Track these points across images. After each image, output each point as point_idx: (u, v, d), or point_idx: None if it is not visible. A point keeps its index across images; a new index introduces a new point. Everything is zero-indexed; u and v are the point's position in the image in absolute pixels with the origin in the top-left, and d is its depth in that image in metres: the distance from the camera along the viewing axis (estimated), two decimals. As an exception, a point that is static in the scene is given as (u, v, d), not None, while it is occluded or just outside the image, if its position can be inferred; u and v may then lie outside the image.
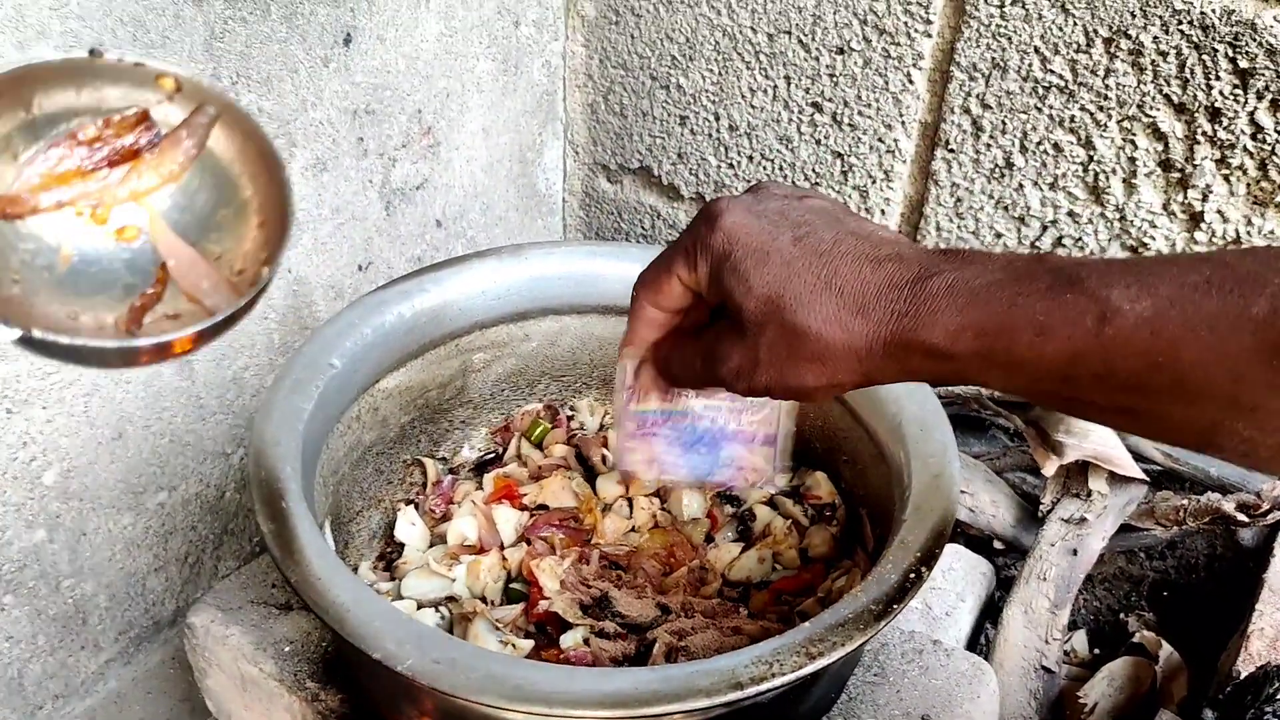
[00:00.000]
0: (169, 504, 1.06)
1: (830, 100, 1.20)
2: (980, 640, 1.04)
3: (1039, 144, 1.09)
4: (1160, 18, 0.98)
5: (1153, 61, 1.00)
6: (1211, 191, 1.02)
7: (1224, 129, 0.99)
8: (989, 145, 1.12)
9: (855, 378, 0.54)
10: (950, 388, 1.14)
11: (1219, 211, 1.03)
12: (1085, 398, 0.49)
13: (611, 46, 1.33)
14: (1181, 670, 0.96)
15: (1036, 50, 1.05)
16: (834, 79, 1.19)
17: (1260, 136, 0.98)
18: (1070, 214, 1.11)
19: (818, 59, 1.19)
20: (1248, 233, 1.02)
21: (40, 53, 0.81)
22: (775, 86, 1.23)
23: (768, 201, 0.58)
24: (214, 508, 1.11)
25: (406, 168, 1.20)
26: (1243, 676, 0.84)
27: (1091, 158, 1.07)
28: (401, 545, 0.92)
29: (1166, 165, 1.04)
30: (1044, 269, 0.49)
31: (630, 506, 0.93)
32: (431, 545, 0.92)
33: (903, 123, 1.17)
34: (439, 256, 1.28)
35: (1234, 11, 0.94)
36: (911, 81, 1.14)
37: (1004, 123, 1.10)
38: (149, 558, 1.07)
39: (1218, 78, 0.98)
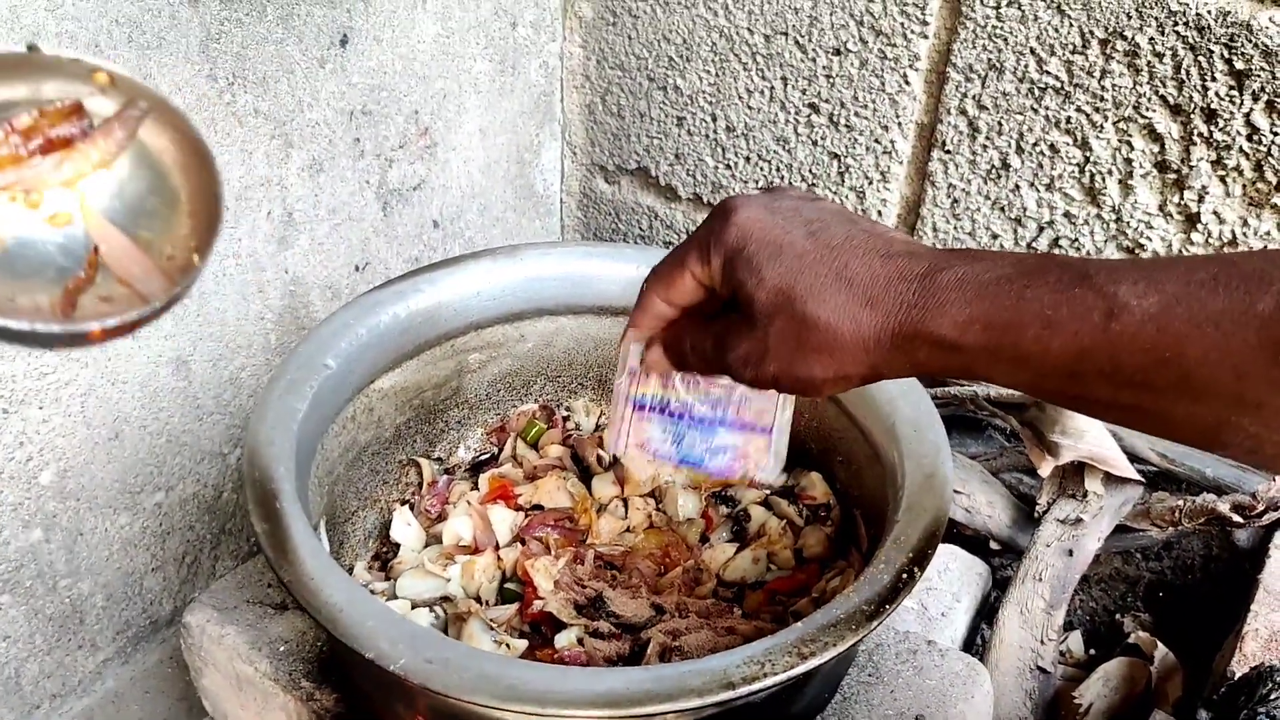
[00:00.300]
0: (166, 504, 1.07)
1: (827, 101, 1.20)
2: (976, 641, 1.04)
3: (1035, 145, 1.09)
4: (1156, 19, 0.98)
5: (1149, 62, 1.00)
6: (1207, 192, 1.02)
7: (1220, 130, 0.99)
8: (985, 146, 1.12)
9: (863, 370, 0.55)
10: (947, 389, 1.14)
11: (1215, 212, 1.03)
12: (1091, 394, 0.49)
13: (609, 47, 1.33)
14: (1176, 671, 0.96)
15: (1032, 51, 1.05)
16: (831, 80, 1.19)
17: (1256, 137, 0.98)
18: (1066, 215, 1.11)
19: (814, 60, 1.19)
20: (1244, 233, 1.02)
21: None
22: (772, 87, 1.23)
23: (781, 200, 0.59)
24: (211, 508, 1.12)
25: (403, 168, 1.20)
26: (1237, 677, 0.84)
27: (1088, 159, 1.07)
28: (397, 545, 0.92)
29: (1162, 166, 1.04)
30: (1053, 265, 0.49)
31: (625, 507, 0.93)
32: (427, 545, 0.92)
33: (899, 124, 1.17)
34: (436, 257, 1.28)
35: (1230, 13, 0.94)
36: (908, 82, 1.14)
37: (1000, 124, 1.10)
38: (146, 557, 1.07)
39: (1213, 79, 0.98)
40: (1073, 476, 1.03)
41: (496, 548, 0.89)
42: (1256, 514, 0.95)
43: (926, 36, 1.11)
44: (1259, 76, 0.96)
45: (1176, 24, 0.97)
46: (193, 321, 1.01)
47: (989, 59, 1.08)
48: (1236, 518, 0.95)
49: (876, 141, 1.19)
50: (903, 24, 1.11)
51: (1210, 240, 1.04)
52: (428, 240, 1.27)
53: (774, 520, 0.92)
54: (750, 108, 1.26)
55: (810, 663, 0.63)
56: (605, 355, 1.03)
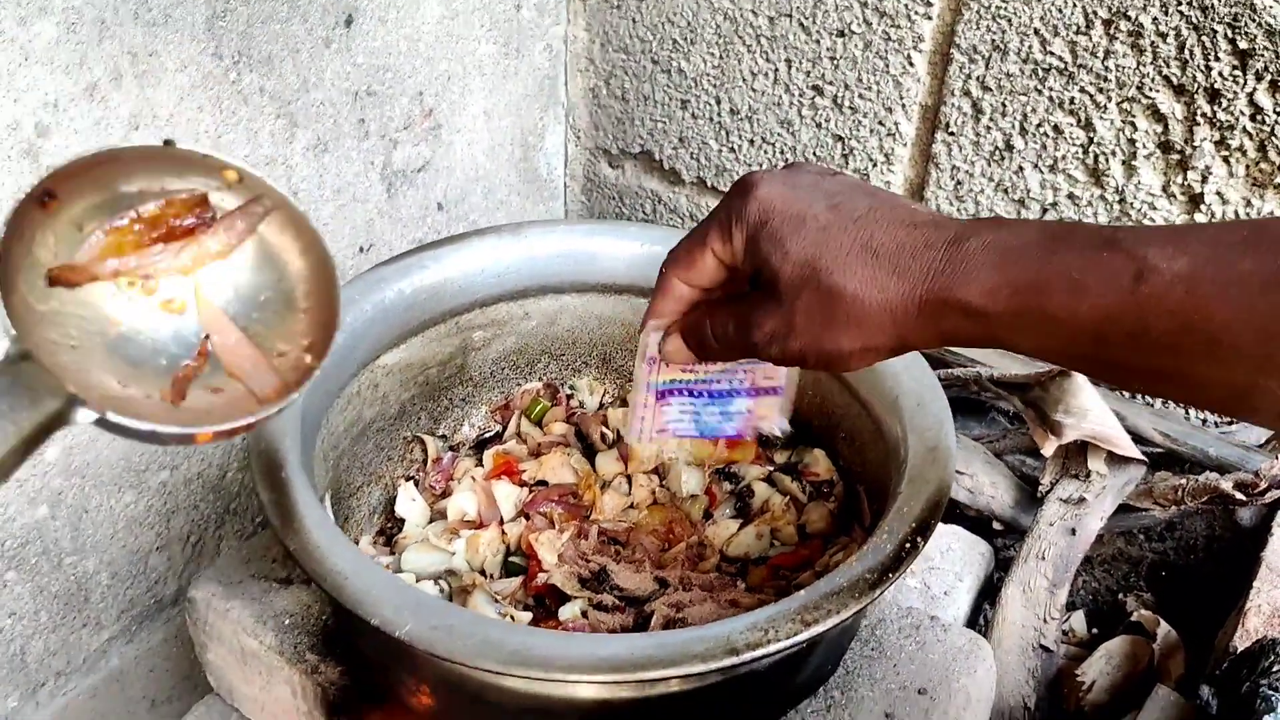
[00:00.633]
0: (171, 483, 1.07)
1: (831, 83, 1.20)
2: (979, 620, 1.05)
3: (1039, 126, 1.09)
4: (1160, -2, 0.98)
5: (1152, 43, 1.00)
6: (1211, 173, 1.02)
7: (1223, 110, 1.00)
8: (989, 128, 1.12)
9: (890, 341, 0.54)
10: (950, 371, 1.14)
11: (1218, 193, 1.03)
12: (1119, 359, 0.48)
13: (613, 30, 1.33)
14: (1179, 648, 0.96)
15: (1036, 32, 1.05)
16: (835, 62, 1.19)
17: (1259, 117, 0.98)
18: (1070, 196, 1.11)
19: (818, 42, 1.19)
20: (1247, 214, 1.02)
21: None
22: (776, 70, 1.23)
23: (801, 175, 0.58)
24: (216, 487, 1.12)
25: (408, 150, 1.20)
26: (1239, 652, 0.84)
27: (1091, 139, 1.07)
28: (401, 521, 0.92)
29: (1166, 147, 1.04)
30: (1080, 230, 0.49)
31: (629, 483, 0.94)
32: (431, 521, 0.93)
33: (903, 105, 1.17)
34: (440, 239, 1.29)
35: (1233, -9, 0.95)
36: (912, 64, 1.14)
37: (1004, 105, 1.10)
38: (151, 536, 1.07)
39: (1217, 59, 0.98)
40: (1076, 456, 1.03)
41: (501, 522, 0.89)
42: (1259, 492, 0.95)
43: (930, 18, 1.11)
44: (1262, 56, 0.96)
45: (1180, 3, 0.97)
46: (198, 299, 1.02)
47: (993, 40, 1.08)
48: (1239, 496, 0.95)
49: (880, 123, 1.19)
50: (907, 5, 1.11)
51: (1214, 221, 1.04)
52: (432, 223, 1.28)
53: (777, 496, 0.92)
54: (754, 90, 1.26)
55: (814, 629, 0.63)
56: (609, 333, 1.03)
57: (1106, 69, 1.03)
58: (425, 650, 0.62)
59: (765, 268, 0.56)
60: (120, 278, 0.56)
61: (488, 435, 1.02)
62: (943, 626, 0.86)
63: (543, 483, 0.93)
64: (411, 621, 0.63)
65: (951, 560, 1.04)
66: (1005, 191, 1.14)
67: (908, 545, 0.69)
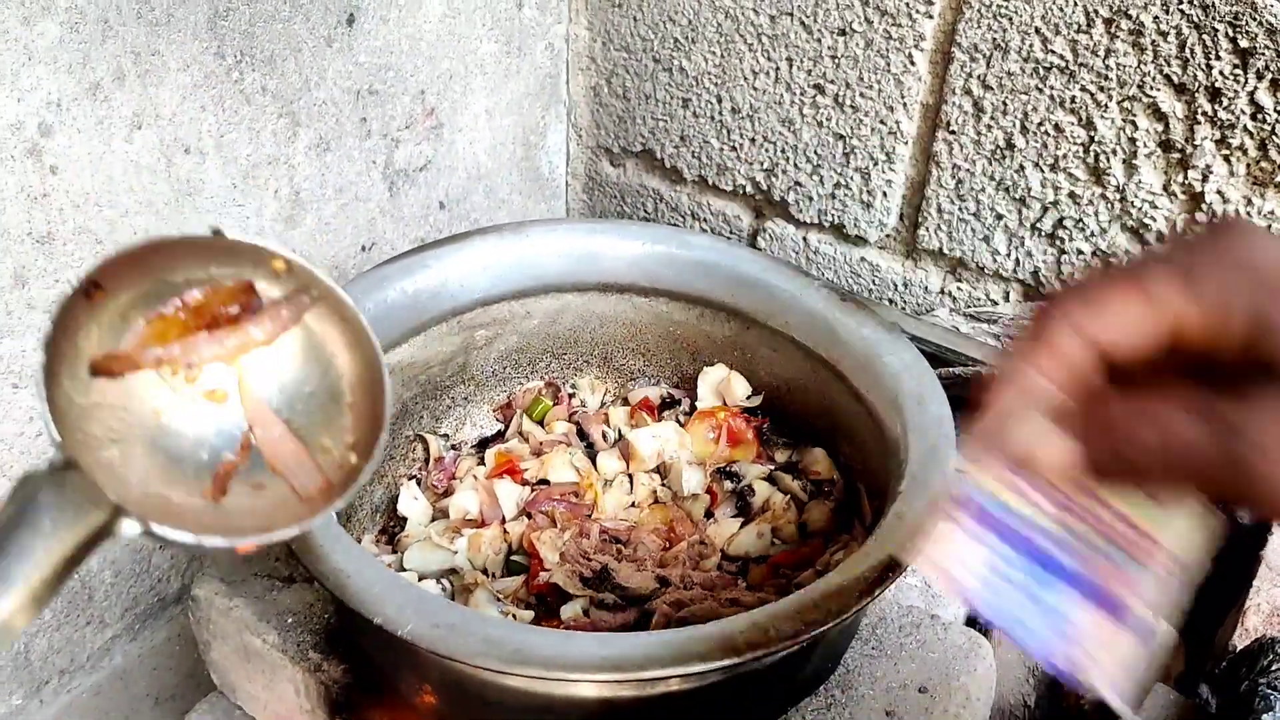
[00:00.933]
0: (174, 481, 1.07)
1: (832, 82, 1.20)
2: (979, 620, 1.05)
3: (1040, 125, 1.09)
4: (1161, -3, 0.98)
5: (1153, 41, 1.00)
6: (1212, 172, 1.03)
7: (1224, 109, 1.00)
8: (990, 126, 1.12)
9: None
10: (950, 369, 1.14)
11: (1219, 192, 1.03)
12: None
13: (614, 29, 1.34)
14: (1178, 647, 0.97)
15: (1037, 30, 1.05)
16: (836, 61, 1.19)
17: (1260, 116, 0.98)
18: (1071, 195, 1.11)
19: (819, 40, 1.19)
20: (1248, 213, 1.02)
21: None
22: (777, 68, 1.23)
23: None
24: (218, 485, 1.12)
25: (410, 149, 1.20)
26: (1238, 650, 0.84)
27: (1092, 138, 1.07)
28: (404, 520, 0.92)
29: (1167, 146, 1.04)
30: None
31: (631, 482, 0.94)
32: (433, 520, 0.93)
33: (904, 104, 1.17)
34: (442, 238, 1.29)
35: (1234, -9, 0.95)
36: (913, 63, 1.14)
37: (1005, 104, 1.10)
38: (154, 534, 1.08)
39: (1218, 57, 0.98)
40: (1076, 455, 1.03)
41: (503, 521, 0.90)
42: (1259, 491, 0.95)
43: (931, 16, 1.11)
44: (1263, 55, 0.96)
45: (1181, 2, 0.97)
46: (201, 299, 1.02)
47: (994, 38, 1.08)
48: (1239, 495, 0.95)
49: (882, 122, 1.19)
50: (908, 4, 1.11)
51: (1215, 220, 1.04)
52: (434, 222, 1.28)
53: (778, 495, 0.92)
54: (755, 89, 1.26)
55: (814, 629, 0.63)
56: (610, 333, 1.03)
57: (1107, 68, 1.03)
58: (427, 649, 0.63)
59: None
60: (163, 366, 0.55)
61: (490, 434, 1.02)
62: (943, 625, 0.86)
63: (544, 482, 0.93)
64: (414, 620, 0.63)
65: (952, 558, 1.04)
66: (1006, 190, 1.14)
67: (909, 544, 0.69)
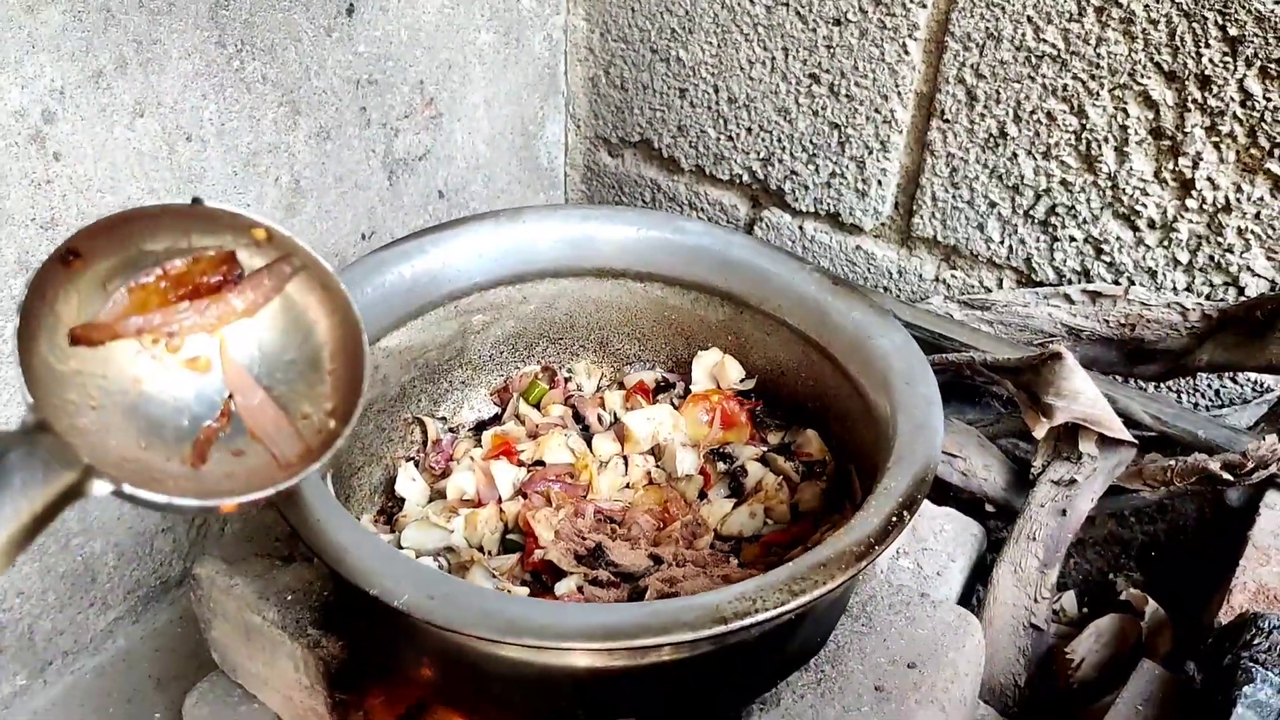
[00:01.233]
0: (176, 464, 1.09)
1: (827, 71, 1.22)
2: (971, 600, 1.06)
3: (1032, 113, 1.10)
4: (1150, -15, 0.99)
5: (1144, 30, 1.01)
6: (1202, 158, 1.04)
7: (1214, 96, 1.01)
8: (983, 115, 1.13)
9: None
10: (944, 356, 1.15)
11: (1209, 178, 1.04)
12: None
13: (612, 19, 1.35)
14: (1166, 626, 0.98)
15: (1029, 19, 1.06)
16: (831, 50, 1.20)
17: (1249, 103, 0.99)
18: (1063, 182, 1.12)
19: (815, 30, 1.20)
20: (1237, 199, 1.03)
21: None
22: (773, 58, 1.25)
23: None
24: (220, 470, 1.14)
25: (409, 138, 1.22)
26: (1223, 626, 0.85)
27: (1084, 126, 1.08)
28: (402, 500, 0.94)
29: (1157, 133, 1.05)
30: None
31: (625, 464, 0.95)
32: (431, 500, 0.94)
33: (899, 93, 1.18)
34: (441, 227, 1.30)
35: (1223, -22, 0.96)
36: (907, 52, 1.16)
37: (998, 92, 1.11)
38: (156, 518, 1.09)
39: (1207, 45, 0.99)
40: (1067, 439, 1.05)
41: (499, 501, 0.91)
42: (1246, 472, 0.96)
43: (925, 6, 1.12)
44: (1252, 43, 0.97)
45: (1170, -10, 0.98)
46: (202, 284, 1.03)
47: (987, 28, 1.09)
48: (1227, 476, 0.96)
49: (876, 111, 1.21)
50: (901, -7, 1.12)
51: (1205, 206, 1.05)
52: (433, 211, 1.29)
53: (770, 476, 0.93)
54: (752, 79, 1.27)
55: (800, 599, 0.65)
56: (606, 318, 1.04)
57: (1099, 56, 1.05)
58: (423, 619, 0.64)
59: None
60: (144, 335, 0.55)
61: (487, 417, 1.03)
62: (932, 603, 0.87)
63: (540, 463, 0.95)
64: (410, 591, 0.65)
65: (944, 541, 1.05)
66: (999, 178, 1.15)
67: (894, 519, 0.70)
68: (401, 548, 0.87)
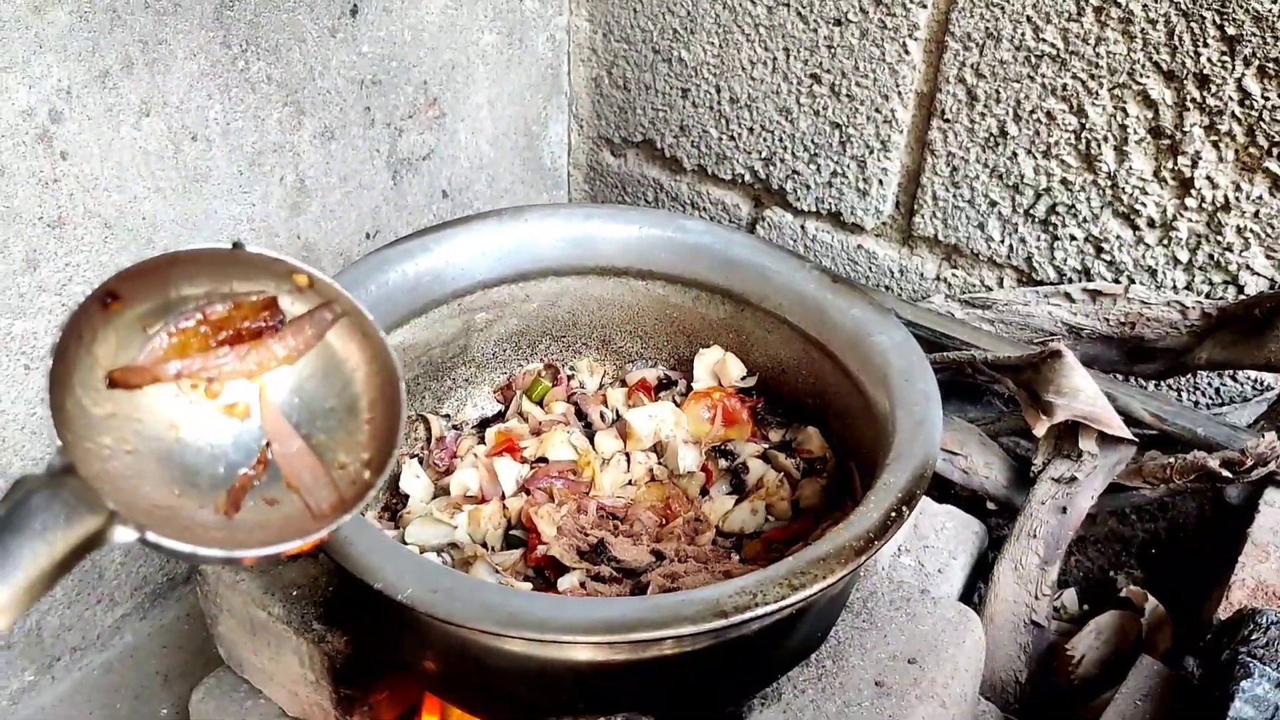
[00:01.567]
0: (182, 462, 1.09)
1: (829, 72, 1.22)
2: (973, 597, 1.07)
3: (1032, 113, 1.11)
4: (1149, -15, 1.00)
5: (1142, 29, 1.02)
6: (1201, 157, 1.04)
7: (1213, 95, 1.01)
8: (983, 114, 1.14)
9: None
10: (945, 354, 1.16)
11: (1208, 177, 1.05)
12: None
13: (615, 20, 1.36)
14: (1166, 623, 0.98)
15: (1029, 19, 1.07)
16: (832, 50, 1.21)
17: (1248, 103, 1.00)
18: (1063, 181, 1.13)
19: (816, 31, 1.21)
20: (1236, 198, 1.04)
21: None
22: (775, 58, 1.25)
23: None
24: (226, 467, 1.14)
25: (413, 138, 1.22)
26: (1221, 622, 0.86)
27: (1083, 125, 1.09)
28: (406, 496, 0.94)
29: (1157, 132, 1.06)
30: None
31: (628, 461, 0.96)
32: (435, 497, 0.95)
33: (899, 93, 1.19)
34: (445, 226, 1.31)
35: (1221, -22, 0.96)
36: (908, 52, 1.16)
37: (998, 92, 1.12)
38: (163, 514, 1.10)
39: (1206, 45, 1.00)
40: (1068, 437, 1.05)
41: (502, 498, 0.91)
42: (1245, 470, 0.96)
43: (925, 6, 1.13)
44: (1250, 42, 0.97)
45: (1169, -10, 0.99)
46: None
47: (986, 27, 1.10)
48: (1226, 473, 0.97)
49: (877, 111, 1.21)
50: (902, -6, 1.13)
51: (1204, 205, 1.05)
52: (437, 210, 1.30)
53: (772, 473, 0.94)
54: (753, 79, 1.28)
55: (800, 594, 0.65)
56: (608, 316, 1.05)
57: (1098, 55, 1.05)
58: (426, 613, 0.64)
59: None
60: (183, 380, 0.55)
61: (490, 415, 1.04)
62: (933, 600, 0.88)
63: (543, 460, 0.95)
64: (413, 585, 0.65)
65: (945, 539, 1.06)
66: (999, 177, 1.16)
67: (893, 514, 0.71)
68: (405, 543, 0.88)
